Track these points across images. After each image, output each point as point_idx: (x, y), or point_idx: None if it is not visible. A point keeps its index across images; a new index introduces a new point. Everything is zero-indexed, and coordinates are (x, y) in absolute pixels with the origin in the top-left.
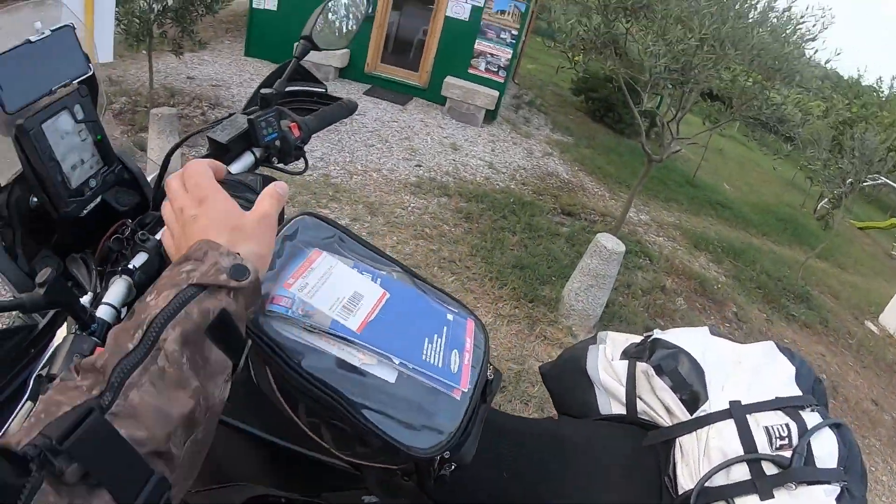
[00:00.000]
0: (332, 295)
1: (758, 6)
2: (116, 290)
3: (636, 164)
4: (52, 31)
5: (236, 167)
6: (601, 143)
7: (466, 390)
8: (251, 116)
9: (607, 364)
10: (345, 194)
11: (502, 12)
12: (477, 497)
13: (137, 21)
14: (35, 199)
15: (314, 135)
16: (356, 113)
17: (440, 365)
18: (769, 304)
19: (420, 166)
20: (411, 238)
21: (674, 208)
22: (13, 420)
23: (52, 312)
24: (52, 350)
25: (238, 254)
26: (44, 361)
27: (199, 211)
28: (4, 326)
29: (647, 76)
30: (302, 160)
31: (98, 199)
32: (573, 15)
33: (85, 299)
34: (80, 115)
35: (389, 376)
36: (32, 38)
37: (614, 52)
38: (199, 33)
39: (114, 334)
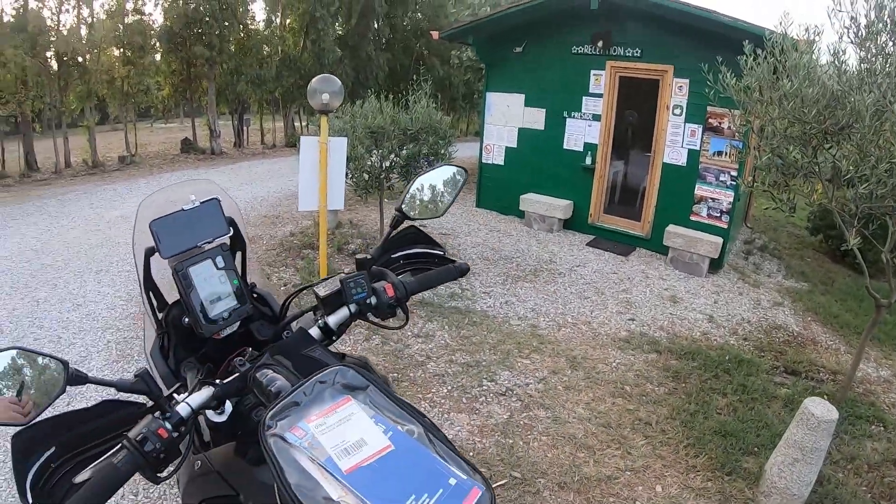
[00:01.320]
0: (341, 437)
1: None
2: (199, 395)
3: None
4: (202, 202)
5: (332, 319)
6: (840, 287)
7: None
8: (342, 277)
9: None
10: (549, 346)
11: (719, 153)
12: None
13: (367, 176)
14: (186, 320)
15: (506, 280)
16: (576, 263)
17: None
18: None
19: (633, 320)
20: (609, 396)
21: None
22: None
23: (193, 385)
24: (135, 428)
25: None
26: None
27: None
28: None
29: (854, 207)
30: (400, 316)
31: (236, 327)
32: (768, 150)
33: (180, 397)
34: (220, 265)
35: None
36: (185, 207)
37: (823, 181)
38: None
39: None
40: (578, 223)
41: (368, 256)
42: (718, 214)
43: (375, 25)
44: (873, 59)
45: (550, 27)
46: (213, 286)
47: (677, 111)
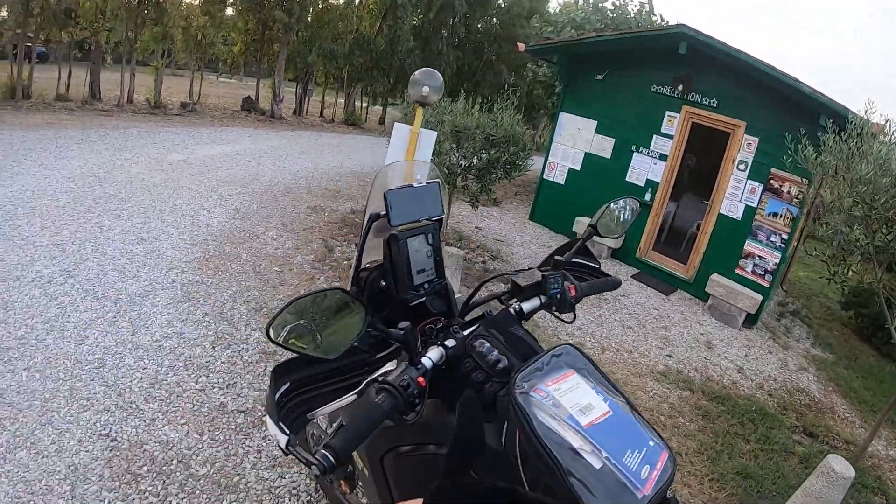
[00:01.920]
0: (574, 400)
1: None
2: (434, 352)
3: None
4: (428, 182)
5: (527, 306)
6: (863, 364)
7: (647, 494)
8: (544, 273)
9: None
10: None
11: (775, 215)
12: None
13: (447, 172)
14: (384, 283)
15: (581, 303)
16: (620, 293)
17: (633, 469)
18: None
19: (671, 357)
20: None
21: None
22: (335, 405)
23: (392, 348)
24: (383, 370)
25: None
26: (376, 374)
27: None
28: (357, 345)
29: None
30: (572, 314)
31: (423, 298)
32: (835, 223)
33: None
34: (430, 241)
35: (596, 463)
36: (415, 185)
37: (877, 263)
38: (494, 192)
39: None
40: (627, 255)
41: (562, 259)
42: (763, 273)
43: (451, 22)
44: None
45: (635, 62)
46: (421, 258)
47: (742, 166)
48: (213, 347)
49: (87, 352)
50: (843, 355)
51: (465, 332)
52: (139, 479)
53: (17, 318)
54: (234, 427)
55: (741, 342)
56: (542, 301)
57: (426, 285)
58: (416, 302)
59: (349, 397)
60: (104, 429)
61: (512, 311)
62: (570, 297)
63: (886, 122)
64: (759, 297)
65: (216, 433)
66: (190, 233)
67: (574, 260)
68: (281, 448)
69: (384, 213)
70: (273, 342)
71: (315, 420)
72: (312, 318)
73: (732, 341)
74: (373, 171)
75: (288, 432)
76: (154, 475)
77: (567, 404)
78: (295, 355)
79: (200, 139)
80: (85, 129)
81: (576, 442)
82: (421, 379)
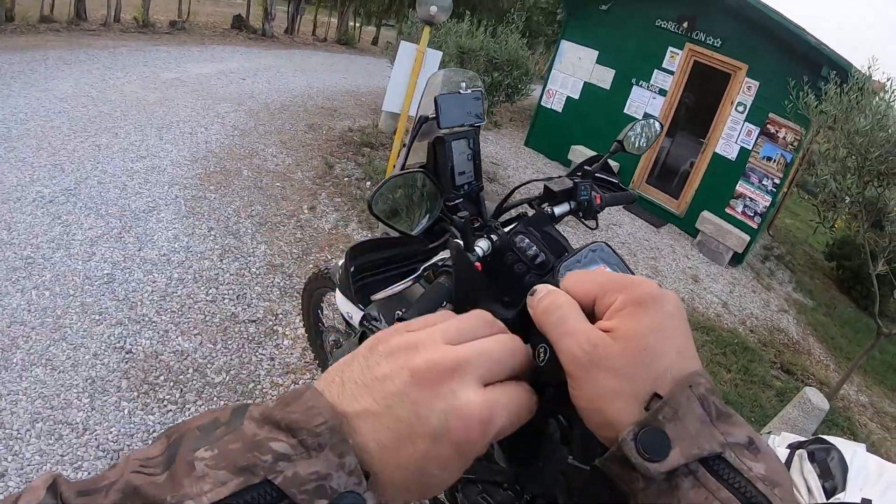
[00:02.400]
0: None
1: None
2: (483, 242)
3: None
4: (472, 90)
5: (558, 210)
6: (841, 314)
7: None
8: (575, 181)
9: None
10: None
11: (769, 159)
12: None
13: None
14: (428, 182)
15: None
16: (613, 222)
17: None
18: None
19: (660, 286)
20: None
21: None
22: (399, 286)
23: (442, 239)
24: (437, 257)
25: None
26: (433, 260)
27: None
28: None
29: (886, 242)
30: (593, 222)
31: (461, 199)
32: (829, 171)
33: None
34: (472, 145)
35: None
36: (461, 91)
37: (865, 216)
38: (495, 115)
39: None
40: None
41: (590, 169)
42: (752, 214)
43: None
44: None
45: None
46: (463, 161)
47: (740, 108)
48: (221, 260)
49: (95, 267)
50: (823, 303)
51: (507, 229)
52: (157, 388)
53: (21, 238)
54: (246, 336)
55: (726, 279)
56: (572, 206)
57: (465, 186)
58: (454, 203)
59: (407, 282)
60: (119, 342)
61: (545, 213)
62: (596, 205)
63: (888, 80)
64: (747, 238)
65: (229, 342)
66: (189, 150)
67: (597, 174)
68: (351, 324)
69: (432, 115)
70: (375, 216)
71: (373, 303)
72: (402, 196)
73: (718, 277)
74: (368, 91)
75: (363, 308)
76: (171, 384)
77: None
78: (371, 237)
79: (192, 57)
80: (73, 50)
81: None
82: (478, 264)
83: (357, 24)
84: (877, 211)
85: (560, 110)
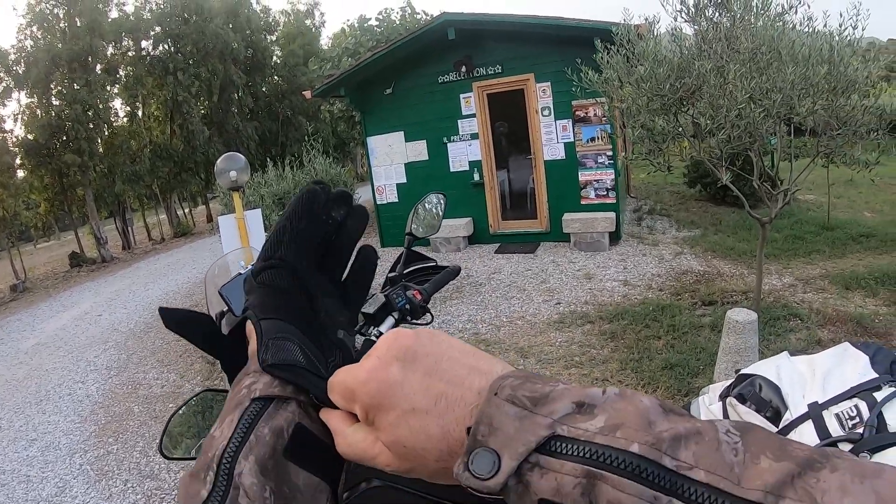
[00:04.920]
0: None
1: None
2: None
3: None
4: (251, 266)
5: (384, 328)
6: (728, 223)
7: None
8: (386, 293)
9: (707, 410)
10: (496, 346)
11: (592, 140)
12: None
13: None
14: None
15: (435, 301)
16: (492, 271)
17: None
18: None
19: (559, 304)
20: (563, 369)
21: (816, 259)
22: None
23: None
24: None
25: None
26: None
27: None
28: None
29: (719, 151)
30: (428, 315)
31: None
32: (637, 126)
33: None
34: None
35: None
36: (241, 272)
37: (691, 140)
38: None
39: (183, 484)
40: (482, 236)
41: (396, 274)
42: (605, 192)
43: (237, 97)
44: (706, 30)
45: (415, 63)
46: None
47: (546, 112)
48: None
49: None
50: (708, 224)
51: None
52: None
53: None
54: None
55: (615, 259)
56: (396, 318)
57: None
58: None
59: None
60: None
61: (374, 338)
62: (418, 302)
63: (645, 20)
64: (612, 214)
65: None
66: (75, 411)
67: (410, 269)
68: None
69: (226, 308)
70: (171, 459)
71: None
72: (195, 424)
73: (607, 263)
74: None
75: None
76: None
77: None
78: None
79: (44, 314)
80: None
81: None
82: None
83: (187, 211)
84: (697, 130)
85: (396, 200)
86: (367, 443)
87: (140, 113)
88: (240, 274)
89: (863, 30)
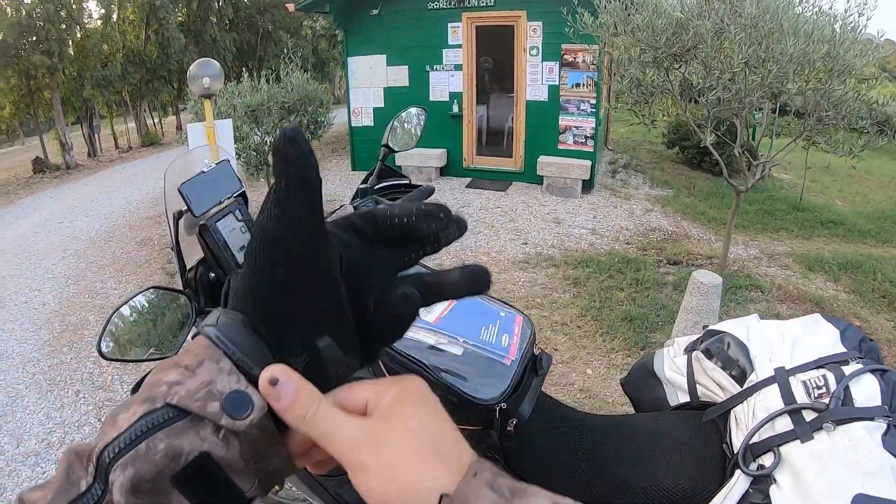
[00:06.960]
0: None
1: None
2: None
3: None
4: (217, 164)
5: None
6: (701, 189)
7: (514, 359)
8: (355, 205)
9: (671, 362)
10: None
11: (577, 85)
12: (558, 475)
13: (255, 153)
14: (213, 275)
15: None
16: (461, 205)
17: (493, 342)
18: None
19: (526, 244)
20: (524, 309)
21: (783, 237)
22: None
23: None
24: None
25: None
26: None
27: None
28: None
29: (706, 112)
30: None
31: None
32: (626, 76)
33: None
34: (240, 216)
35: (457, 351)
36: (205, 170)
37: (679, 98)
38: None
39: (65, 460)
40: (454, 169)
41: (367, 186)
42: (584, 140)
43: (217, 6)
44: None
45: None
46: (236, 236)
47: (534, 52)
48: (99, 419)
49: None
50: (681, 187)
51: None
52: None
53: None
54: None
55: (586, 208)
56: None
57: None
58: None
59: None
60: None
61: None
62: None
63: None
64: (588, 163)
65: None
66: (30, 319)
67: (385, 184)
68: None
69: (185, 208)
70: (108, 359)
71: None
72: (139, 324)
73: (578, 210)
74: None
75: None
76: None
77: None
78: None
79: (4, 221)
80: None
81: (431, 339)
82: None
83: (157, 121)
84: (687, 88)
85: (372, 124)
86: None
87: (115, 16)
88: (202, 172)
89: (867, 19)
